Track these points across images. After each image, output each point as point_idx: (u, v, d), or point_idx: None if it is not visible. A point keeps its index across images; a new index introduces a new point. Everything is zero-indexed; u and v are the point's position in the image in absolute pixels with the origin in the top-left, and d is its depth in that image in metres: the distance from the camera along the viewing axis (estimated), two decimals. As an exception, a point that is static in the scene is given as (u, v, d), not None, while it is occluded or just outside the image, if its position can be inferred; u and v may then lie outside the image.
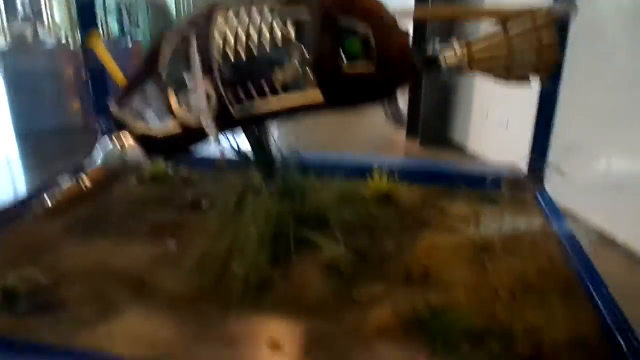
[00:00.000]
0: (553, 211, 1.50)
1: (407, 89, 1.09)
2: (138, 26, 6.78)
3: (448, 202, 1.53)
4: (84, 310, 1.01)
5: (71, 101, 5.25)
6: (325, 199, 1.30)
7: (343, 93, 1.00)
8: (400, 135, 2.98)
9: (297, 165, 1.34)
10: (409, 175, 1.58)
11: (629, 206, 1.54)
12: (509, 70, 0.99)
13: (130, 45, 5.81)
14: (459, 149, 2.67)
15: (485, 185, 1.48)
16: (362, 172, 1.55)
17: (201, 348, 0.91)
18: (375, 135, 3.03)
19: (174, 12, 6.96)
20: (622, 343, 0.93)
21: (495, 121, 2.29)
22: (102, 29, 6.36)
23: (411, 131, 2.93)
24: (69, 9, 6.46)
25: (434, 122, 2.84)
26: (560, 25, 1.47)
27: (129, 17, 6.81)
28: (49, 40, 5.97)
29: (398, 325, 0.99)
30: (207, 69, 0.98)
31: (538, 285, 1.14)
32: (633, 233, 1.51)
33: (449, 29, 2.19)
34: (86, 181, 1.21)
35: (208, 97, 0.98)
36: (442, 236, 1.29)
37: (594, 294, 1.11)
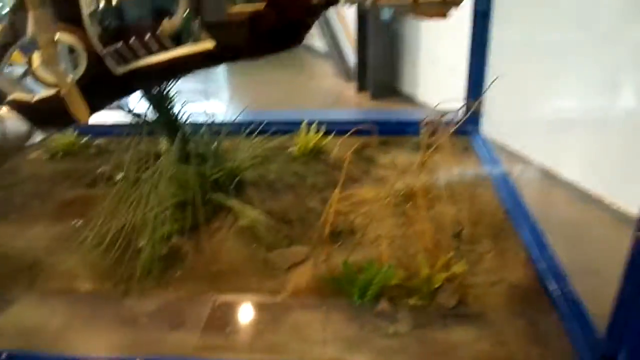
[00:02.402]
0: (488, 154, 1.45)
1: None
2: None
3: (380, 153, 1.45)
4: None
5: None
6: (243, 160, 1.21)
7: (234, 37, 0.89)
8: (352, 89, 2.88)
9: (209, 126, 1.23)
10: (343, 126, 1.49)
11: (573, 143, 1.50)
12: (416, 3, 0.90)
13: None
14: (409, 99, 2.59)
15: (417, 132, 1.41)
16: (294, 127, 1.46)
17: (91, 333, 0.83)
18: (327, 92, 2.93)
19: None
20: (553, 289, 0.89)
21: (443, 68, 2.20)
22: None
23: (362, 85, 2.83)
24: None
25: (383, 74, 2.75)
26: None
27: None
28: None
29: (316, 288, 0.93)
30: (73, 21, 0.85)
31: (467, 233, 1.09)
32: (578, 170, 1.48)
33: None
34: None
35: (74, 53, 0.85)
36: (369, 189, 1.22)
37: (525, 239, 1.07)
